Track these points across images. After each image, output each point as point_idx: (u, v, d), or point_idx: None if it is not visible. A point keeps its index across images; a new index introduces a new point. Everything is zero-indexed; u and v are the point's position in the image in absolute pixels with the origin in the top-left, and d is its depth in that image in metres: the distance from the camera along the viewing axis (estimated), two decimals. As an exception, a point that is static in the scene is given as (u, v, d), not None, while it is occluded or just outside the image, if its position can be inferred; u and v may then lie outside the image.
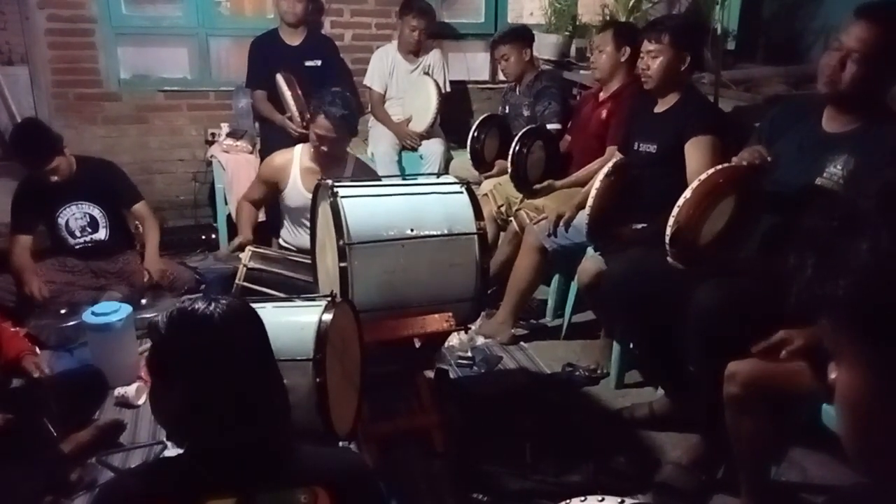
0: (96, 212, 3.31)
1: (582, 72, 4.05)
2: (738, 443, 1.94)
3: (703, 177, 2.02)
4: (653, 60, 2.57)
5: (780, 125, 2.20)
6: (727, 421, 1.92)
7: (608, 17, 3.85)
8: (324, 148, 2.84)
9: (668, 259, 2.07)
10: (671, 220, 2.00)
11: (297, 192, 2.96)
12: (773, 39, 3.75)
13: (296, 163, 2.99)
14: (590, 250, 2.80)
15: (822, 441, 1.98)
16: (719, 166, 2.05)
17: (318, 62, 4.09)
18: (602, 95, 3.31)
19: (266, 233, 3.37)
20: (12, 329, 2.41)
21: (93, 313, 2.71)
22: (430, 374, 2.57)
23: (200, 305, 1.15)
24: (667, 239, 2.02)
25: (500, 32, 3.95)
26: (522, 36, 3.76)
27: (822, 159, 2.00)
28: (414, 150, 4.15)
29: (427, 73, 4.20)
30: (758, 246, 2.11)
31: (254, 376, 1.17)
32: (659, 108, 2.68)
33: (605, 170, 2.56)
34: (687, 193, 2.00)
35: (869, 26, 1.84)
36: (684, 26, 2.66)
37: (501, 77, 4.30)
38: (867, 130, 1.95)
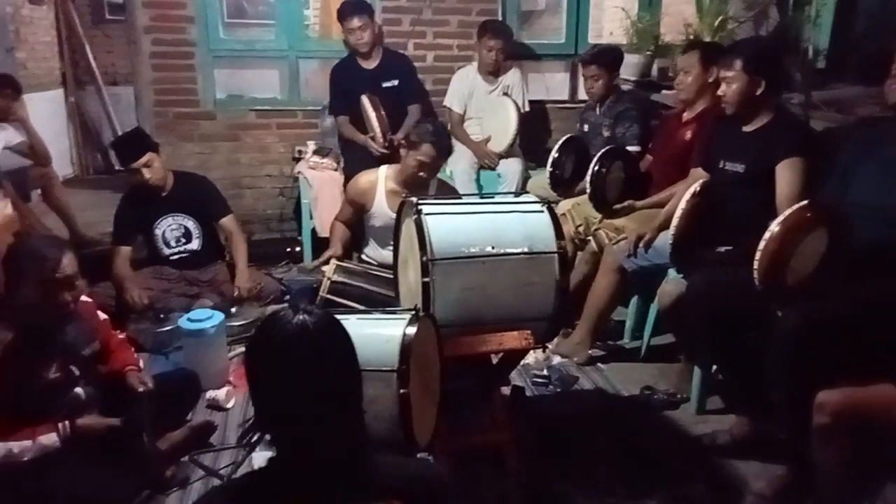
0: (190, 223, 3.50)
1: (664, 91, 4.00)
2: (826, 476, 1.86)
3: (787, 212, 1.99)
4: (727, 87, 2.58)
5: (861, 148, 2.16)
6: (815, 452, 1.86)
7: (692, 37, 3.80)
8: (423, 174, 2.92)
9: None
10: (757, 256, 1.96)
11: (382, 212, 3.03)
12: (866, 58, 3.62)
13: (381, 185, 3.05)
14: (671, 272, 2.76)
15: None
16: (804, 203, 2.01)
17: (395, 82, 4.20)
18: (686, 116, 3.27)
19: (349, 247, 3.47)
20: (120, 336, 2.49)
21: (188, 319, 2.86)
22: (505, 391, 2.59)
23: (290, 315, 1.15)
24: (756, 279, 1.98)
25: (593, 51, 3.77)
26: (617, 58, 3.73)
27: None
28: (492, 169, 4.20)
29: (506, 94, 4.25)
30: (846, 271, 2.04)
31: (340, 387, 1.17)
32: (748, 128, 2.62)
33: (691, 190, 2.52)
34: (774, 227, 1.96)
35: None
36: (755, 51, 2.61)
37: (581, 96, 4.28)
38: None
